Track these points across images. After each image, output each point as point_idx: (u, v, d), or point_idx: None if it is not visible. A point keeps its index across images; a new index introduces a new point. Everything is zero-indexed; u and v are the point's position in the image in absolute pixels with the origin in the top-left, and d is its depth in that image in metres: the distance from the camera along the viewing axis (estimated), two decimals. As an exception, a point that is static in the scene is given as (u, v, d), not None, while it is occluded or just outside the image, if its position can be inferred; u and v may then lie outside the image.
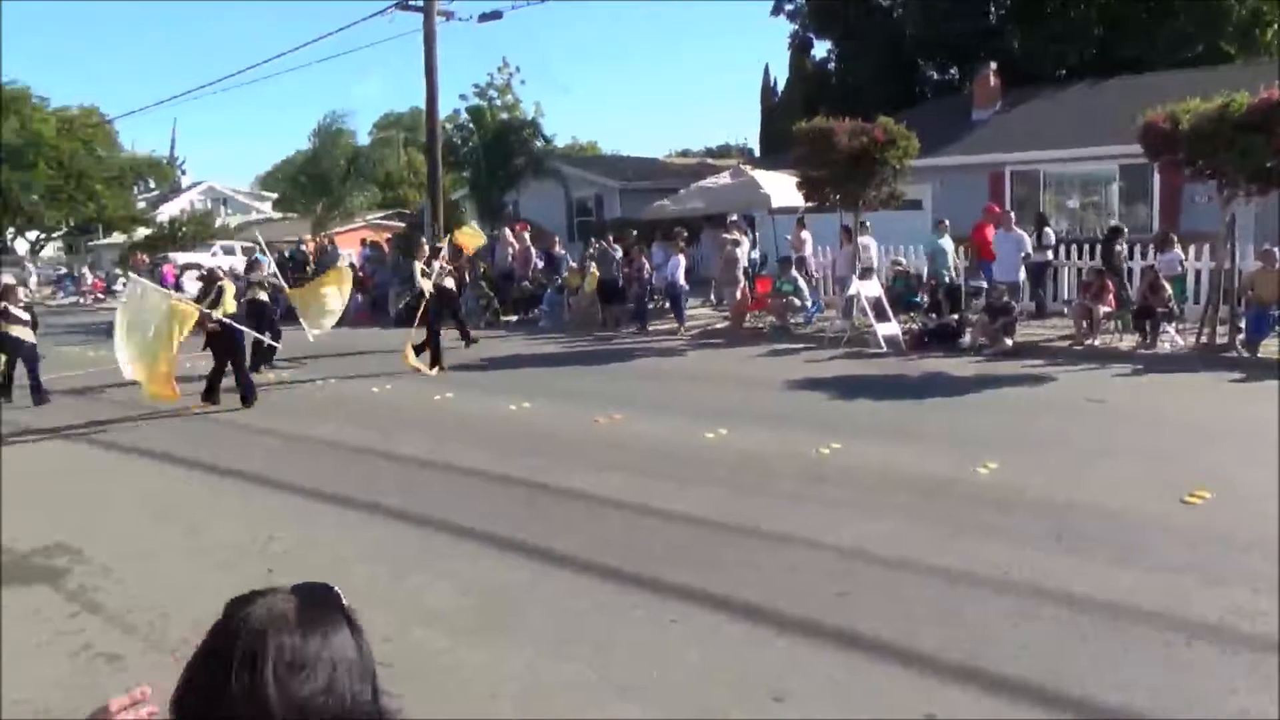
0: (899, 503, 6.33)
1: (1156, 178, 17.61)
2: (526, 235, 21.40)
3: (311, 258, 25.01)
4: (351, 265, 24.41)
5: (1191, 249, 14.21)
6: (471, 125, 25.64)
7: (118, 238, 47.30)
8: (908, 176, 14.95)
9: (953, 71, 30.84)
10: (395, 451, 8.46)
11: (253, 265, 14.15)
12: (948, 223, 16.29)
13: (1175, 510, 5.92)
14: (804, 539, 5.66)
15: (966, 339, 13.45)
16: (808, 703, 3.80)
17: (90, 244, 48.87)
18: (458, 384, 11.99)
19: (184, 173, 56.72)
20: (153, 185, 54.07)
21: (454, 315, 14.71)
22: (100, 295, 33.47)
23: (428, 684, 3.93)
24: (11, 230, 48.81)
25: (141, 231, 46.26)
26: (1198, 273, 14.20)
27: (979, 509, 6.11)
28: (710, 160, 37.54)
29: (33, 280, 33.44)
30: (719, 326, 16.79)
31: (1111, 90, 21.05)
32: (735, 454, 7.85)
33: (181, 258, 35.00)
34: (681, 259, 17.00)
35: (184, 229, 42.31)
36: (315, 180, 30.71)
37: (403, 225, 32.10)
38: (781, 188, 17.19)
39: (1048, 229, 16.13)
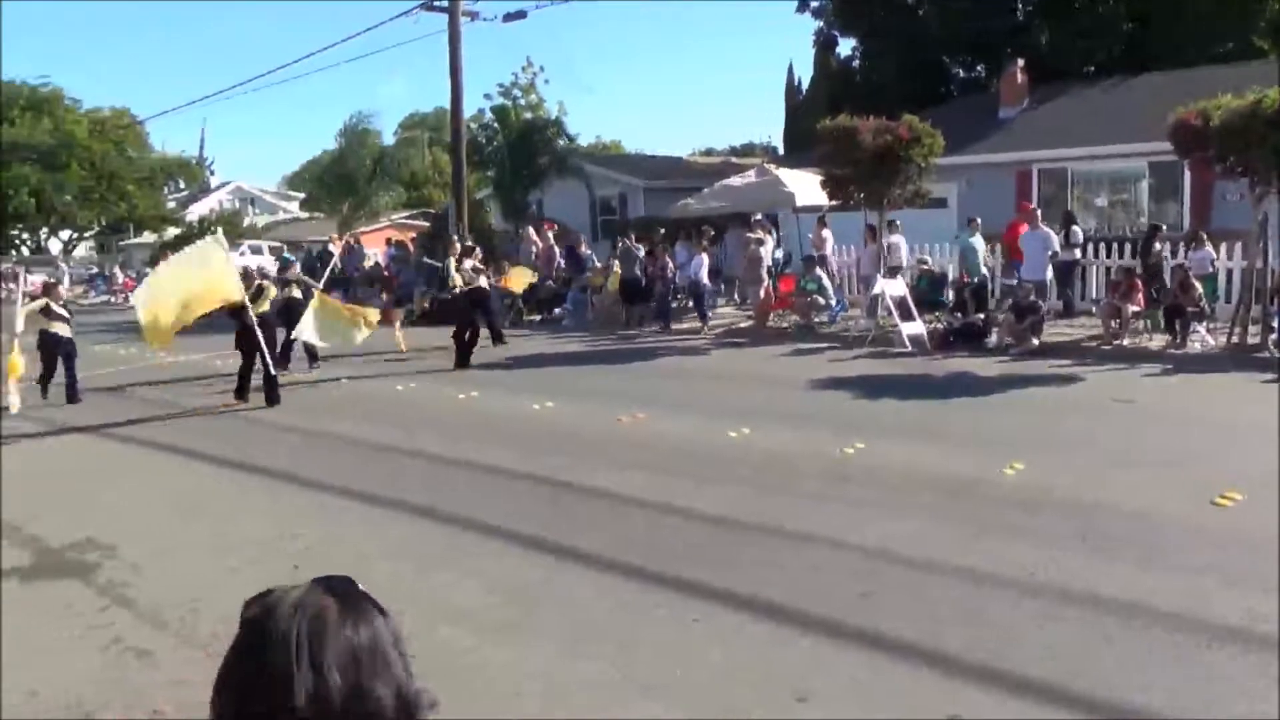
0: (923, 503, 6.29)
1: (1187, 175, 17.38)
2: (551, 234, 21.46)
3: (337, 257, 25.20)
4: (377, 264, 24.67)
5: (1223, 247, 14.03)
6: (496, 125, 25.70)
7: (148, 237, 47.92)
8: (933, 175, 14.86)
9: (979, 69, 30.59)
10: (419, 449, 8.52)
11: (285, 265, 14.33)
12: (979, 221, 16.14)
13: (1205, 512, 5.84)
14: (828, 539, 5.64)
15: (993, 338, 13.35)
16: (831, 703, 3.79)
17: (121, 244, 49.54)
18: (481, 382, 12.05)
19: (213, 173, 57.45)
20: (182, 185, 54.76)
21: (486, 314, 14.75)
22: (131, 294, 33.88)
23: (453, 682, 3.95)
24: (45, 230, 49.61)
25: (171, 231, 46.81)
26: (1229, 271, 14.02)
27: (1005, 510, 6.07)
28: (734, 159, 37.44)
29: (65, 280, 33.91)
30: (742, 326, 16.76)
31: (1141, 86, 20.81)
32: (758, 453, 7.84)
33: (210, 257, 35.32)
34: (705, 258, 16.99)
35: (213, 229, 42.74)
36: (341, 180, 30.94)
37: (427, 225, 32.27)
38: (805, 186, 17.13)
39: (1075, 227, 15.97)
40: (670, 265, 17.83)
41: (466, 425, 9.65)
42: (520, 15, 21.78)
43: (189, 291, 10.23)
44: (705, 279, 16.85)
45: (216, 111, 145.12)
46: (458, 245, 15.17)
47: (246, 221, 46.34)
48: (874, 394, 10.42)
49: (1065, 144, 19.50)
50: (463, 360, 13.25)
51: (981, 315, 13.92)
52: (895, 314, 13.89)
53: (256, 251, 35.58)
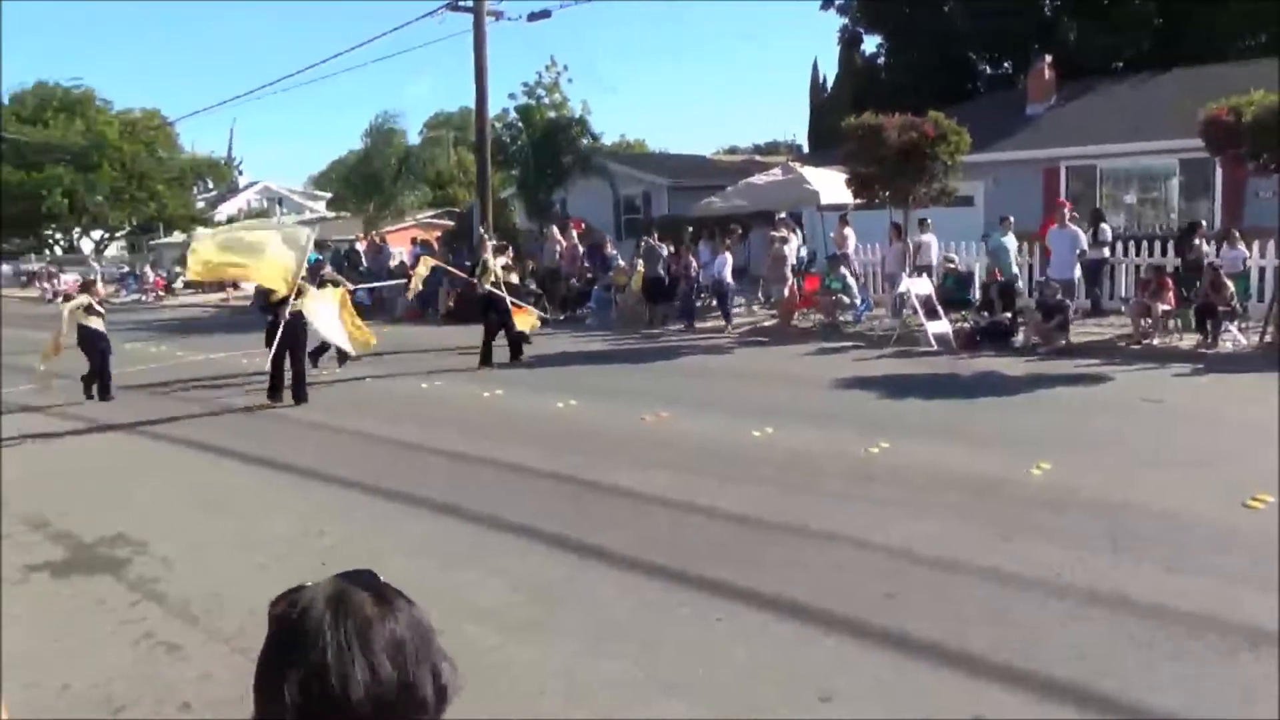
0: (949, 503, 6.26)
1: (1218, 172, 17.14)
2: (575, 233, 21.49)
3: (364, 256, 25.42)
4: (402, 263, 24.81)
5: (1255, 245, 13.82)
6: (520, 124, 25.81)
7: (178, 237, 48.50)
8: (959, 173, 14.75)
9: (1006, 65, 30.31)
10: (444, 447, 8.57)
11: (317, 264, 14.47)
12: (1012, 220, 15.97)
13: (1235, 514, 5.77)
14: (852, 538, 5.62)
15: (1019, 338, 13.23)
16: (855, 703, 3.78)
17: (152, 243, 50.16)
18: (506, 381, 12.11)
19: (241, 173, 58.05)
20: (211, 185, 55.39)
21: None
22: (161, 293, 34.32)
23: (478, 680, 3.97)
24: (77, 230, 50.36)
25: (200, 230, 47.31)
26: (1261, 270, 13.81)
27: (1031, 510, 6.02)
28: (758, 157, 37.38)
29: (98, 279, 34.44)
30: (767, 324, 16.72)
31: (1170, 82, 20.54)
32: (782, 452, 7.83)
33: (239, 257, 35.71)
34: (728, 256, 16.97)
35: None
36: (367, 180, 31.16)
37: (452, 224, 32.43)
38: (830, 184, 17.05)
39: (1104, 225, 15.79)
40: (694, 264, 17.82)
41: (490, 423, 9.70)
42: (544, 15, 21.86)
43: (249, 254, 10.48)
44: (729, 278, 16.82)
45: (244, 112, 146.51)
46: (489, 243, 15.23)
47: (274, 221, 46.76)
48: (899, 393, 10.37)
49: (1093, 141, 19.28)
50: (491, 360, 13.31)
51: (1008, 314, 13.80)
52: (921, 313, 13.80)
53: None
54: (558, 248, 21.14)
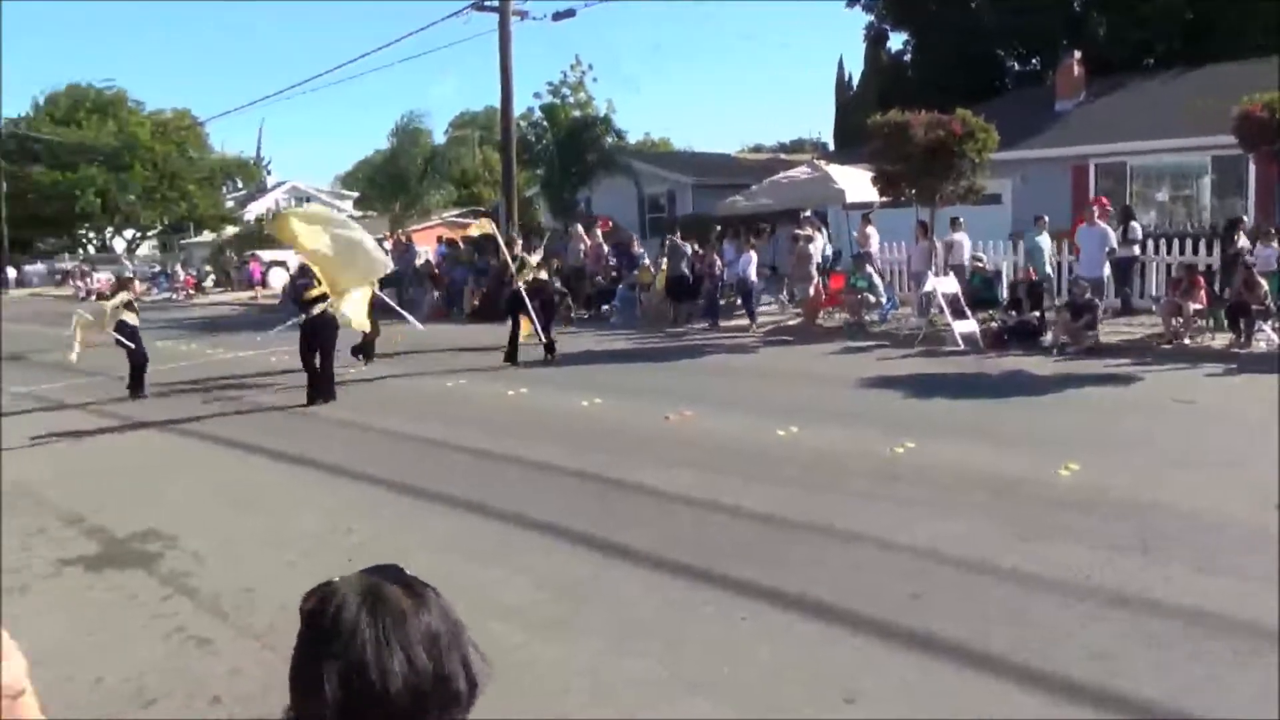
0: (975, 503, 6.21)
1: (1252, 169, 16.88)
2: (599, 232, 21.51)
3: (391, 255, 25.54)
4: (427, 262, 24.98)
5: (1290, 242, 13.57)
6: (545, 123, 25.88)
7: (207, 236, 49.11)
8: (986, 170, 14.62)
9: (1034, 61, 30.01)
10: (470, 445, 8.62)
11: None
12: (1046, 220, 15.79)
13: (1267, 516, 5.68)
14: (877, 538, 5.60)
15: (1048, 337, 13.11)
16: (880, 704, 3.77)
17: (182, 242, 50.81)
18: (531, 379, 12.15)
19: (269, 173, 58.61)
20: (240, 185, 56.01)
21: (546, 310, 14.79)
22: (191, 292, 34.75)
23: (503, 678, 3.99)
24: (110, 230, 51.09)
25: (230, 230, 47.95)
26: (1296, 268, 13.56)
27: (1059, 511, 5.97)
28: (783, 155, 37.25)
29: (135, 277, 34.91)
30: (791, 323, 16.67)
31: (1202, 78, 20.25)
32: (807, 451, 7.80)
33: (267, 255, 36.19)
34: (753, 255, 16.92)
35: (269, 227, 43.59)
36: (393, 179, 31.38)
37: (477, 223, 32.56)
38: (856, 183, 16.98)
39: (1134, 223, 15.60)
40: (719, 262, 17.80)
41: (515, 421, 9.74)
42: (569, 14, 21.90)
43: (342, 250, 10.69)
44: (753, 276, 16.78)
45: (273, 112, 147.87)
46: (519, 240, 15.31)
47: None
48: (925, 393, 10.30)
49: (1123, 138, 19.06)
50: (516, 356, 13.37)
51: (1036, 313, 13.67)
52: (947, 312, 13.71)
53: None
54: (582, 246, 21.18)
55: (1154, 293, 15.19)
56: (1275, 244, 13.51)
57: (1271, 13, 23.50)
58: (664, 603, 4.88)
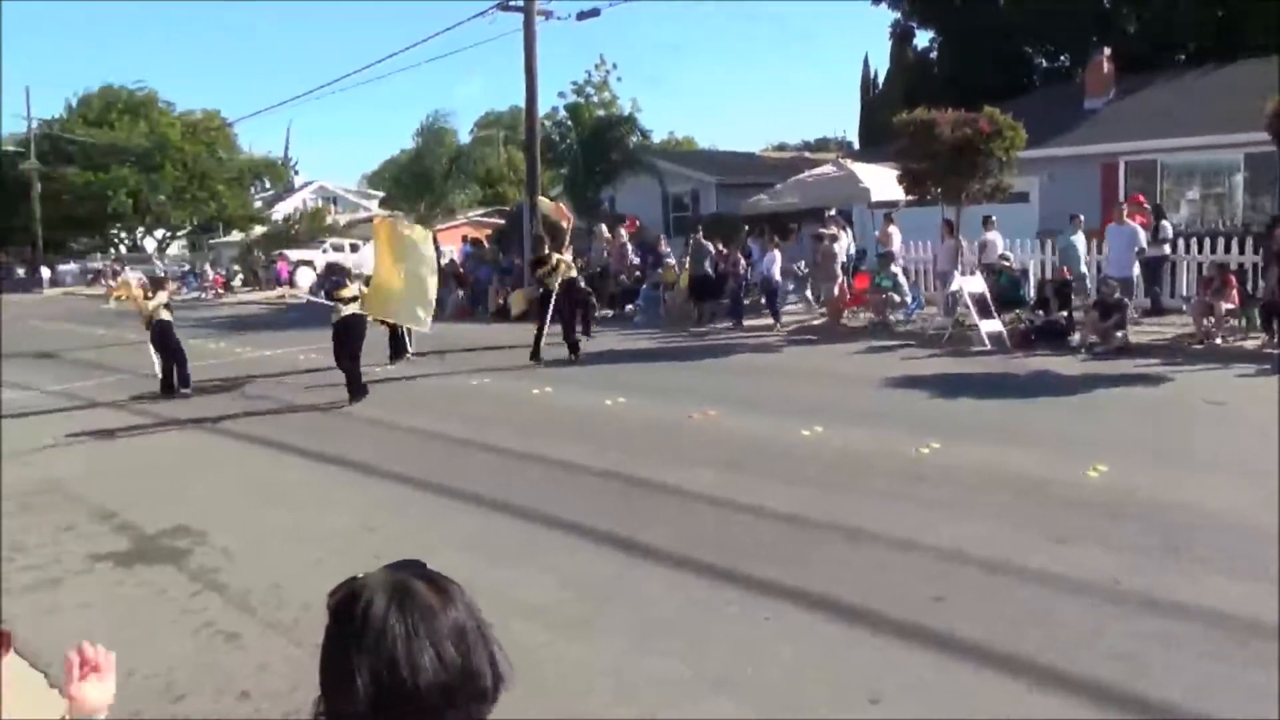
0: (1001, 505, 6.17)
1: (1287, 166, 16.59)
2: (623, 231, 21.53)
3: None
4: (452, 261, 25.11)
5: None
6: (569, 122, 25.94)
7: (236, 235, 49.62)
8: (1014, 169, 14.49)
9: (1063, 59, 29.69)
10: (495, 444, 8.66)
11: None
12: (1082, 219, 15.60)
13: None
14: (901, 539, 5.57)
15: (1076, 337, 12.97)
16: (904, 705, 3.76)
17: (211, 242, 51.37)
18: (555, 378, 12.19)
19: (297, 173, 59.16)
20: (268, 185, 56.54)
21: (583, 308, 14.82)
22: (220, 291, 35.14)
23: (526, 677, 4.01)
24: (141, 229, 51.76)
25: (258, 229, 48.43)
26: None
27: (1086, 514, 5.91)
28: (808, 154, 37.10)
29: (168, 277, 35.33)
30: (816, 323, 16.60)
31: (1235, 74, 19.93)
32: (831, 451, 7.78)
33: (295, 254, 36.53)
34: (777, 254, 16.87)
35: (297, 227, 44.12)
36: (418, 179, 31.53)
37: (502, 222, 32.71)
38: (881, 181, 16.87)
39: (1165, 222, 15.40)
40: (743, 262, 17.75)
41: (539, 420, 9.78)
42: (594, 13, 21.92)
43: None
44: (778, 275, 16.73)
45: (300, 113, 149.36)
46: (548, 240, 15.37)
47: (329, 220, 47.59)
48: (951, 393, 10.23)
49: (1154, 135, 18.81)
50: (540, 353, 13.42)
51: (1064, 313, 13.53)
52: (974, 311, 13.60)
53: (339, 249, 36.53)
54: (605, 245, 21.20)
55: (1185, 292, 14.99)
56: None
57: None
58: (687, 602, 4.89)
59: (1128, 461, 7.03)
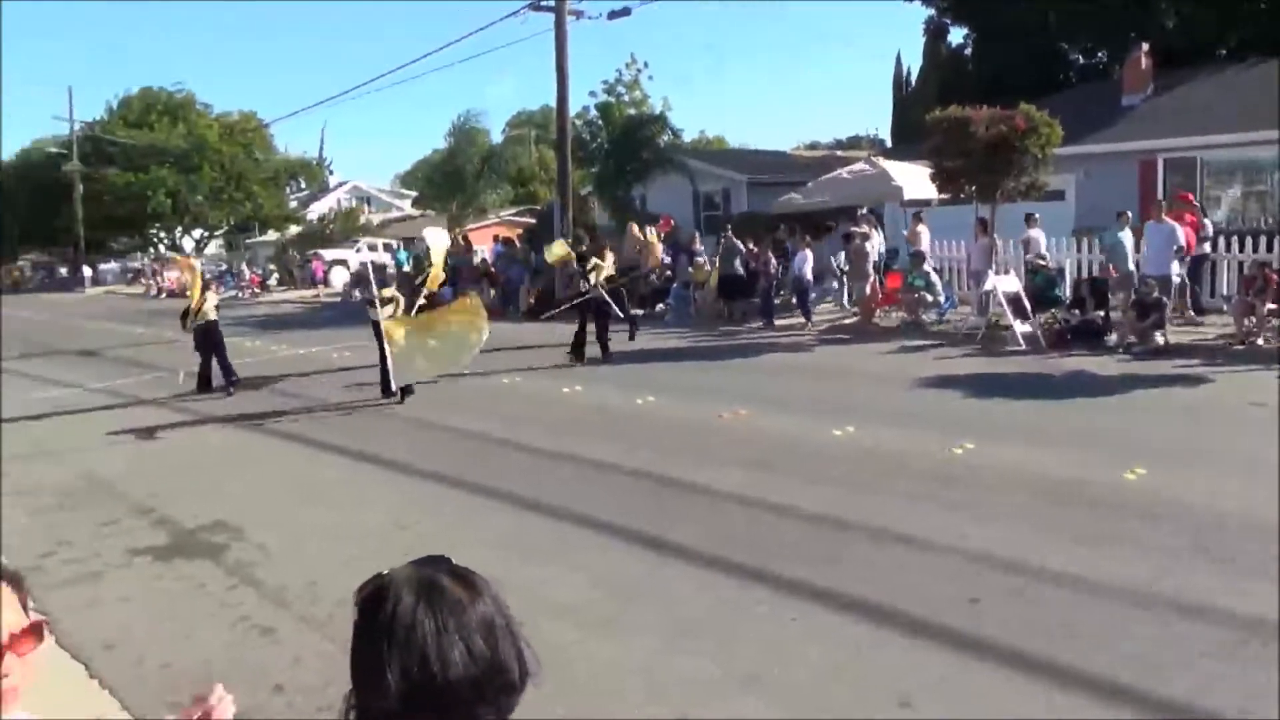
0: (1035, 507, 6.10)
1: (1331, 163, 16.24)
2: (651, 230, 21.52)
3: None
4: (484, 260, 25.26)
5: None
6: (600, 121, 25.96)
7: (272, 235, 50.23)
8: (1050, 166, 14.29)
9: (1100, 54, 29.24)
10: (526, 443, 8.71)
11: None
12: (1129, 215, 15.36)
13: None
14: (933, 541, 5.53)
15: (1113, 337, 12.79)
16: (933, 708, 3.73)
17: (248, 241, 52.04)
18: (586, 378, 12.23)
19: (331, 173, 59.74)
20: (303, 185, 57.14)
21: (620, 306, 14.87)
22: (256, 290, 35.59)
23: (556, 675, 4.04)
24: (179, 229, 52.57)
25: (293, 229, 49.00)
26: (1378, 265, 13.04)
27: (1124, 516, 5.83)
28: (839, 152, 36.88)
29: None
30: (847, 322, 16.51)
31: (1277, 70, 19.50)
32: (862, 451, 7.73)
33: (329, 254, 36.92)
34: (808, 253, 16.79)
35: (331, 226, 44.59)
36: (451, 178, 31.78)
37: (534, 221, 32.84)
38: (914, 179, 16.73)
39: (1205, 220, 15.12)
40: (773, 261, 17.68)
41: (571, 419, 9.82)
42: (625, 12, 21.95)
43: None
44: (809, 274, 16.64)
45: (334, 113, 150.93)
46: (587, 240, 15.44)
47: (362, 219, 48.06)
48: (984, 393, 10.13)
49: (1194, 131, 18.45)
50: (582, 353, 13.45)
51: (1101, 312, 13.33)
52: (1008, 311, 13.45)
53: (373, 249, 36.87)
54: (636, 244, 21.20)
55: (1225, 291, 14.71)
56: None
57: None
58: (717, 601, 4.89)
59: (1166, 464, 6.92)
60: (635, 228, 21.69)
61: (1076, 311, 13.64)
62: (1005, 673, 3.96)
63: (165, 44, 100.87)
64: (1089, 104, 20.81)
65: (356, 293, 27.93)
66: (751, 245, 18.46)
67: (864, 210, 18.17)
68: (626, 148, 24.80)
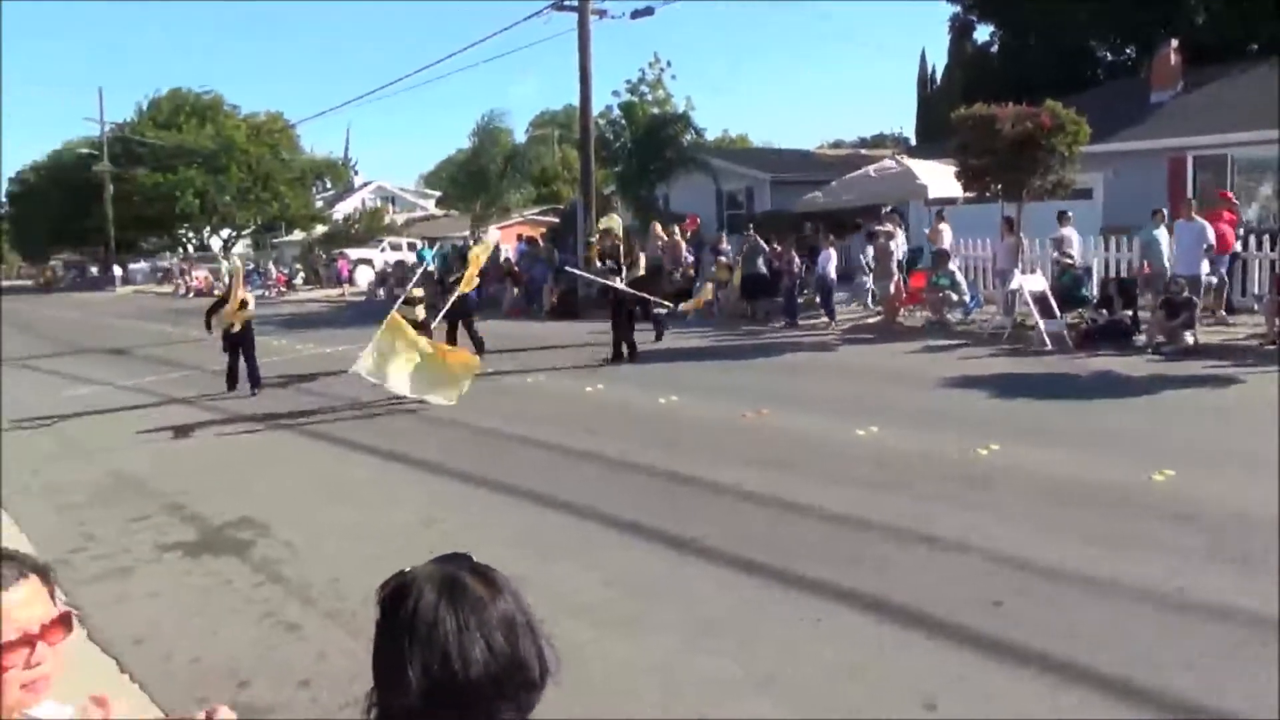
0: (1061, 509, 6.05)
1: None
2: (678, 231, 21.51)
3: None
4: (507, 260, 25.34)
5: None
6: (623, 121, 25.98)
7: (298, 235, 50.70)
8: (1077, 164, 14.15)
9: (1129, 51, 28.92)
10: (549, 441, 8.74)
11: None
12: (1165, 213, 15.19)
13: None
14: (957, 542, 5.49)
15: (1141, 337, 12.64)
16: (958, 710, 3.71)
17: (274, 241, 52.56)
18: (608, 376, 12.25)
19: (357, 173, 60.24)
20: (329, 185, 57.65)
21: (643, 305, 14.94)
22: (283, 289, 35.92)
23: (574, 674, 4.05)
24: (208, 229, 53.19)
25: (319, 229, 49.43)
26: None
27: (1150, 519, 5.77)
28: (864, 151, 36.67)
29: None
30: (871, 321, 16.43)
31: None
32: (886, 452, 7.70)
33: (354, 253, 37.20)
34: (832, 252, 16.72)
35: (356, 226, 44.93)
36: (474, 178, 31.93)
37: (557, 220, 32.92)
38: (939, 178, 16.62)
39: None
40: (796, 260, 17.62)
41: (593, 418, 9.83)
42: (648, 12, 21.96)
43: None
44: (833, 274, 16.58)
45: (359, 114, 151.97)
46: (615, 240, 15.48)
47: (387, 219, 48.40)
48: (1010, 393, 10.05)
49: (1224, 129, 18.21)
50: (622, 354, 13.43)
51: (1129, 312, 13.19)
52: (1035, 310, 13.33)
53: (396, 248, 37.13)
54: (659, 244, 21.21)
55: (1256, 290, 14.50)
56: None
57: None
58: (737, 601, 4.88)
59: (1195, 466, 6.83)
60: (658, 227, 21.69)
61: (1104, 311, 13.51)
62: (1037, 678, 3.93)
63: (194, 46, 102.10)
64: (1117, 101, 20.60)
65: (381, 291, 28.19)
66: (775, 244, 18.41)
67: (888, 209, 18.06)
68: (650, 147, 24.80)
